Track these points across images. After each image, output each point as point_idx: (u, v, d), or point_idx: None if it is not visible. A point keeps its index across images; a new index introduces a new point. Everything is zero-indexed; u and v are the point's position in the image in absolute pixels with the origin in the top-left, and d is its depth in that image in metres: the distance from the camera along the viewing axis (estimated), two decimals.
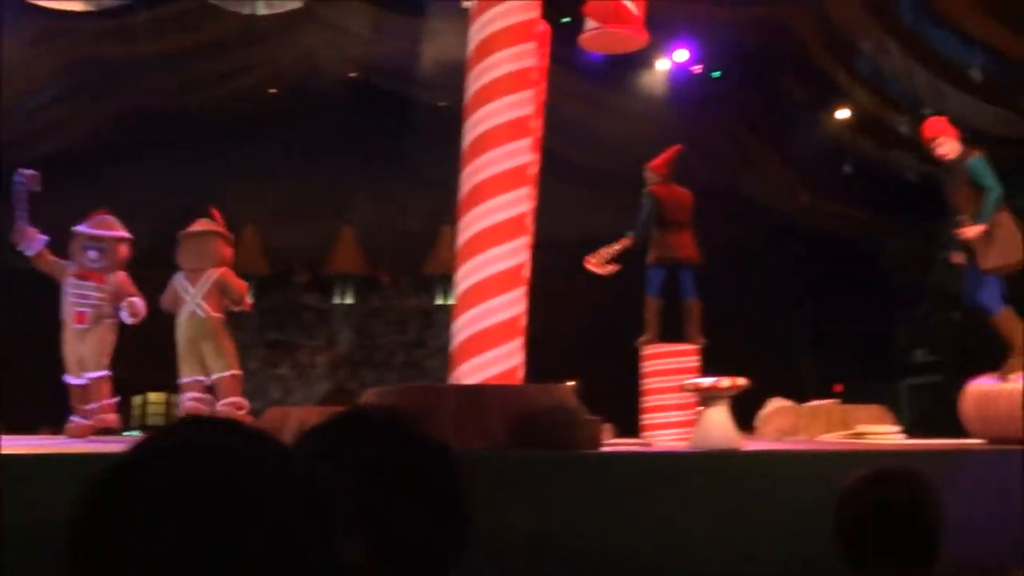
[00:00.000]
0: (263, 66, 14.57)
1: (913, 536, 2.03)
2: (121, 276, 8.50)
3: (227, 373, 8.38)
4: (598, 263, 8.94)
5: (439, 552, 1.47)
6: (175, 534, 0.86)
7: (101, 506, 0.90)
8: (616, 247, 8.89)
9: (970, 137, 7.57)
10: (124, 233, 8.69)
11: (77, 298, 8.29)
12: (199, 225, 8.82)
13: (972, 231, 7.15)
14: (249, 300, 9.19)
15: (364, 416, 1.63)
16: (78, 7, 11.51)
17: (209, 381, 8.35)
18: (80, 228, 8.50)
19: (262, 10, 11.84)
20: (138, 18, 12.49)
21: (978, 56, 12.31)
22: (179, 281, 8.55)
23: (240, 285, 8.83)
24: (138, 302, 8.38)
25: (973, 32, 12.14)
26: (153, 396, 15.75)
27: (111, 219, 8.68)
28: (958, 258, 7.47)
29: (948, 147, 7.36)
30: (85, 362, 8.25)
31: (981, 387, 7.16)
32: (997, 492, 5.44)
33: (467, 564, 1.62)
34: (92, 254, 8.43)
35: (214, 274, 8.55)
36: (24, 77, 12.77)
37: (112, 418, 8.25)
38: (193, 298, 8.48)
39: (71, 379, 8.32)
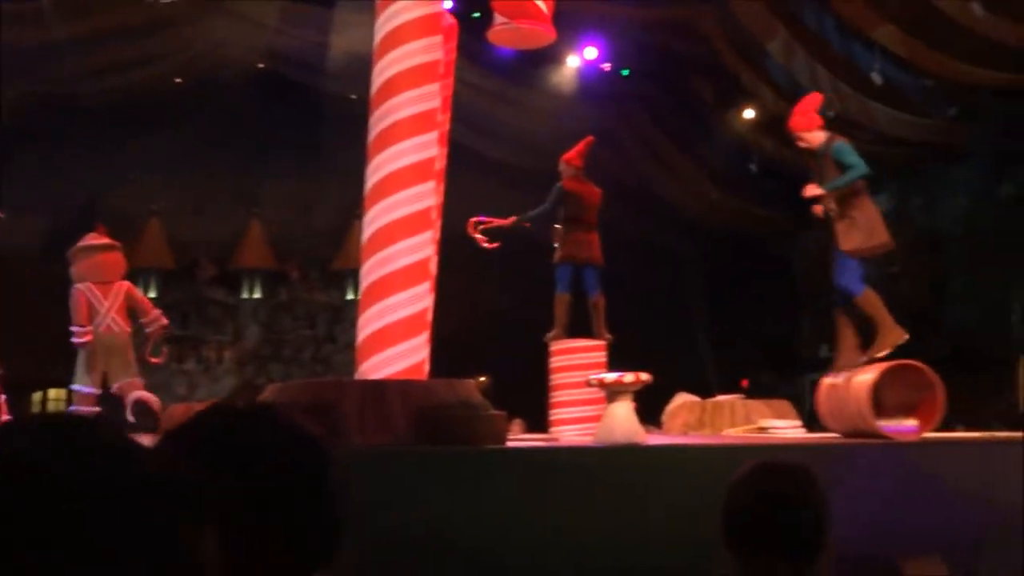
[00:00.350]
0: (169, 55, 14.32)
1: (797, 529, 2.05)
2: None
3: (133, 379, 8.29)
4: (475, 230, 8.99)
5: (306, 551, 1.44)
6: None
7: None
8: (497, 222, 8.96)
9: (835, 129, 7.70)
10: None
11: None
12: (97, 238, 8.65)
13: (811, 190, 7.31)
14: (162, 317, 9.05)
15: (234, 411, 1.59)
16: None
17: (113, 390, 8.25)
18: None
19: None
20: (40, 2, 12.17)
21: (878, 60, 12.65)
22: (90, 293, 8.36)
23: (144, 299, 8.81)
24: None
25: (874, 37, 12.47)
26: (53, 392, 15.37)
27: None
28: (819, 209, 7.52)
29: (813, 136, 7.42)
30: None
31: (829, 382, 7.30)
32: (887, 485, 5.60)
33: (350, 562, 1.59)
34: None
35: (123, 287, 8.46)
36: None
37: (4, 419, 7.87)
38: (108, 312, 8.33)
39: None
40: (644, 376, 6.30)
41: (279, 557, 1.40)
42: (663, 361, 8.16)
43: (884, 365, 6.80)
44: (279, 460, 1.44)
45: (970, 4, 10.69)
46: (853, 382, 6.85)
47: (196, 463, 1.35)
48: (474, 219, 8.97)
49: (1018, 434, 8.04)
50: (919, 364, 6.87)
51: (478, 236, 8.95)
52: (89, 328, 8.22)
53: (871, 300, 7.29)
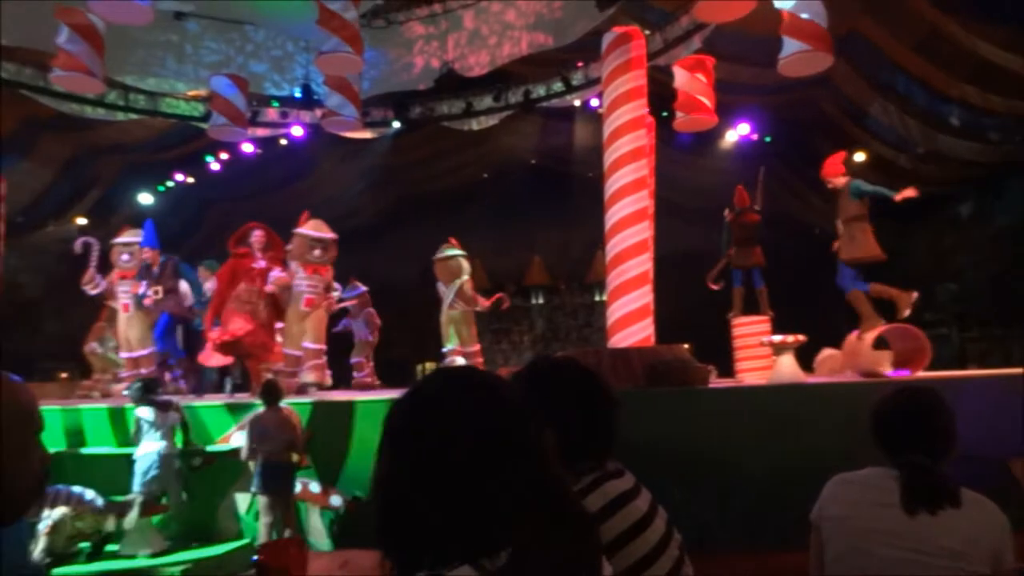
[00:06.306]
0: (477, 161, 14.93)
1: (936, 431, 1.86)
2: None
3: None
4: (711, 281, 8.55)
5: (595, 444, 1.47)
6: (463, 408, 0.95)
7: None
8: (718, 267, 8.51)
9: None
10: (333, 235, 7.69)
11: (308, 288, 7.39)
12: (448, 250, 9.03)
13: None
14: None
15: (547, 360, 1.65)
16: (368, 135, 12.14)
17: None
18: (302, 231, 7.52)
19: (475, 127, 12.15)
20: (402, 138, 13.10)
21: (955, 109, 11.29)
22: (438, 286, 8.78)
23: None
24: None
25: (950, 93, 11.13)
26: (429, 364, 16.34)
27: (323, 223, 7.74)
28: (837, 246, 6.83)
29: (838, 180, 7.01)
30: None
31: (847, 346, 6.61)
32: (997, 406, 4.96)
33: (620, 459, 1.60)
34: (316, 252, 7.45)
35: (463, 284, 8.76)
36: (341, 180, 13.60)
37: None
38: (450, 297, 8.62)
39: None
40: (800, 337, 5.93)
41: (581, 448, 1.43)
42: (810, 329, 7.55)
43: (881, 328, 6.21)
44: (579, 387, 1.47)
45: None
46: (865, 339, 6.23)
47: (529, 391, 1.41)
48: (710, 277, 8.54)
49: None
50: (911, 326, 6.16)
51: (713, 285, 8.50)
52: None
53: (857, 297, 6.63)
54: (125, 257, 7.70)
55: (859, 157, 13.62)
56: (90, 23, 6.83)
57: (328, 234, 7.65)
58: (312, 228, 7.60)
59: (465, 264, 8.98)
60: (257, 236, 6.89)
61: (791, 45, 6.90)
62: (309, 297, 7.36)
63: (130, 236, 7.94)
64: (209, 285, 8.10)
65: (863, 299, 6.66)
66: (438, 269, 8.91)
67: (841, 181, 7.02)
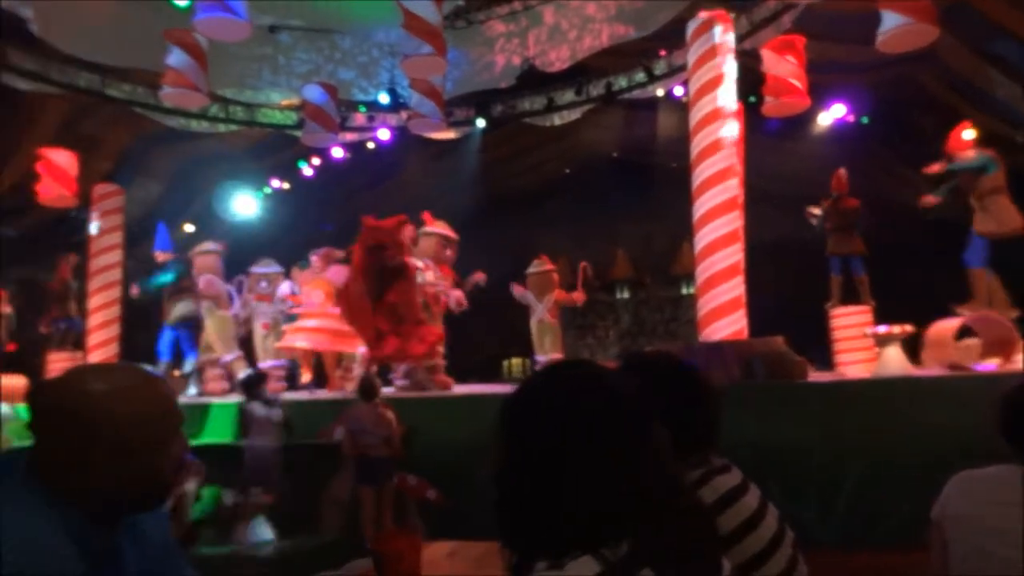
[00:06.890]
0: (559, 156, 14.88)
1: None
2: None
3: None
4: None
5: (699, 435, 1.47)
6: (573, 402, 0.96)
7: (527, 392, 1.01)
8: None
9: None
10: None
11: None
12: (540, 266, 9.05)
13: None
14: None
15: (642, 355, 1.65)
16: (452, 135, 12.34)
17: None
18: (435, 230, 7.95)
19: (556, 122, 12.13)
20: (484, 137, 13.21)
21: None
22: (529, 297, 8.80)
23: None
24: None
25: None
26: (515, 360, 16.44)
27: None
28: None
29: (967, 155, 6.77)
30: None
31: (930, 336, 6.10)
32: None
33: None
34: (448, 252, 7.91)
35: (552, 297, 8.74)
36: (425, 180, 13.88)
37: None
38: (540, 309, 8.72)
39: None
40: (908, 328, 5.63)
41: (682, 442, 1.42)
42: (913, 318, 7.12)
43: (963, 317, 5.89)
44: (679, 380, 1.46)
45: None
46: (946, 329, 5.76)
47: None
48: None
49: None
50: (998, 315, 5.67)
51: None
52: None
53: (978, 277, 6.28)
54: (263, 284, 8.95)
55: (968, 134, 12.72)
56: (195, 42, 7.26)
57: (454, 234, 8.17)
58: (441, 228, 7.99)
59: (556, 278, 9.08)
60: None
61: (891, 19, 6.54)
62: (444, 297, 7.74)
63: (266, 266, 9.14)
64: (305, 287, 8.55)
65: (982, 279, 6.28)
66: (530, 282, 9.01)
67: (970, 155, 6.63)
